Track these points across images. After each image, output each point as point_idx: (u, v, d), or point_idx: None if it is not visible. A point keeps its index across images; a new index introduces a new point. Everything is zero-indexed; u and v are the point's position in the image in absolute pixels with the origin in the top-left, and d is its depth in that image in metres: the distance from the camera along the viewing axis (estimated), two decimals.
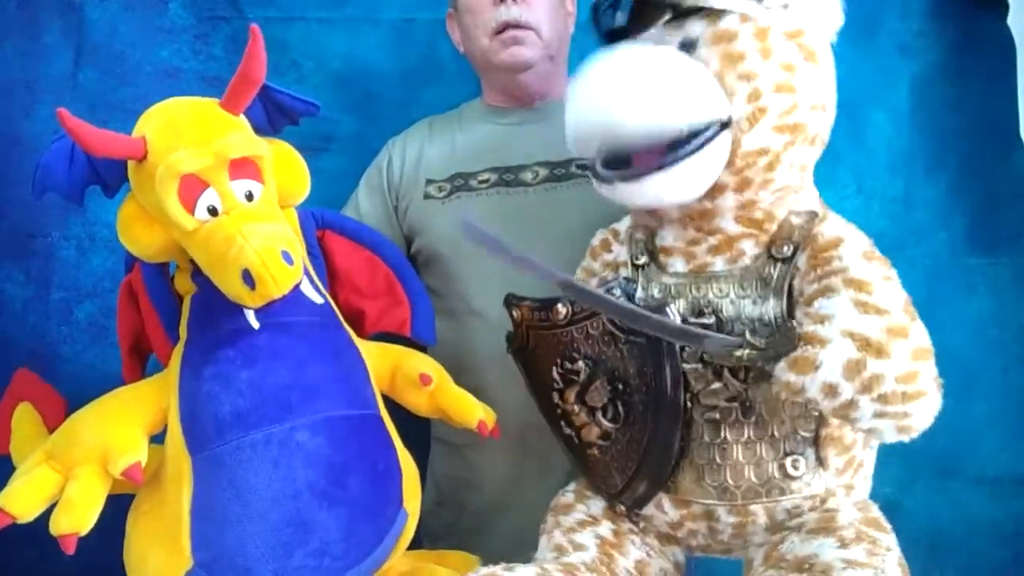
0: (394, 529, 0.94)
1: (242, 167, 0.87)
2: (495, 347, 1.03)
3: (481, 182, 1.19)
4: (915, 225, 1.28)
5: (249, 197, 0.88)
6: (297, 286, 0.88)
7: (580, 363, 0.92)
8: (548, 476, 1.11)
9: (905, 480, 1.24)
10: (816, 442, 0.83)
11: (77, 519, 0.82)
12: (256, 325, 0.90)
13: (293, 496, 0.87)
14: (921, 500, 1.26)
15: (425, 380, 1.01)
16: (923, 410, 0.72)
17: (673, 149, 0.78)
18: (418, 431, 1.09)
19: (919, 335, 0.73)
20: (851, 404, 0.71)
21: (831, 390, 0.71)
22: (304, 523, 0.86)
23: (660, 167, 0.78)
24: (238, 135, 0.89)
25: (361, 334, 1.03)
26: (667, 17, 0.83)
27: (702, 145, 0.78)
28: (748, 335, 0.78)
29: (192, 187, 0.84)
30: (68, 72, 1.31)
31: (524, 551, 0.89)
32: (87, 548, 0.83)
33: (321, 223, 1.05)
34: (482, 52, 1.18)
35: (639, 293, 0.89)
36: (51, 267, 1.30)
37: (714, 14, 0.81)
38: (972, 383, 1.25)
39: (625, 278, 0.91)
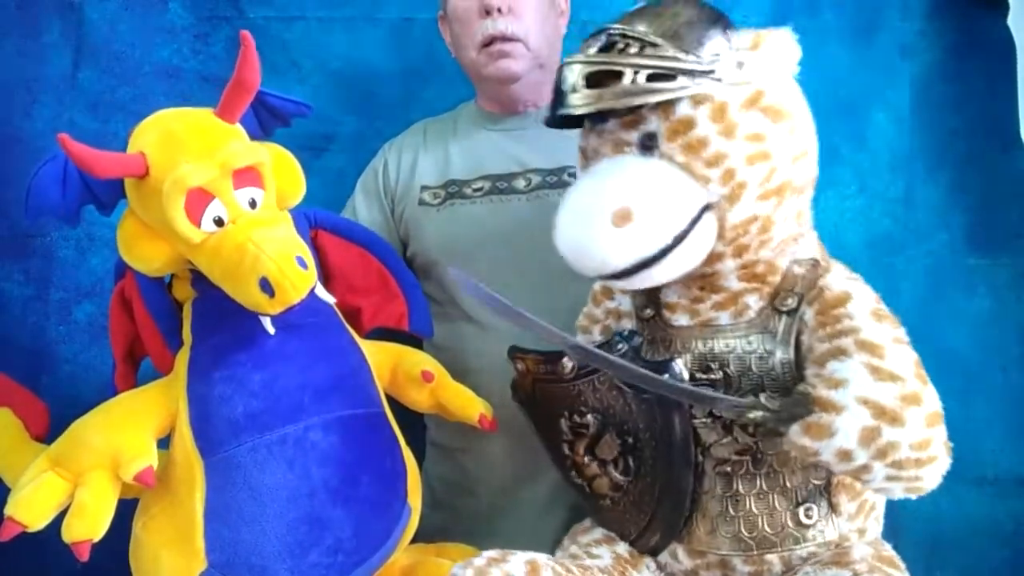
0: (400, 524, 0.95)
1: (245, 175, 0.86)
2: (491, 352, 1.02)
3: (475, 190, 1.19)
4: (916, 225, 1.28)
5: (252, 204, 0.87)
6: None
7: (589, 416, 0.91)
8: (541, 481, 1.11)
9: None
10: (828, 489, 0.83)
11: (91, 525, 0.82)
12: (272, 331, 0.89)
13: (309, 495, 0.88)
14: (921, 500, 1.26)
15: (427, 377, 1.02)
16: (933, 473, 0.73)
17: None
18: (414, 434, 1.09)
19: (931, 400, 0.73)
20: (865, 468, 0.72)
21: (846, 455, 0.71)
22: (319, 521, 0.88)
23: (648, 263, 0.77)
24: (238, 144, 0.88)
25: (359, 331, 1.03)
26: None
27: (685, 234, 0.77)
28: (763, 398, 0.77)
29: (198, 200, 0.83)
30: (68, 72, 1.31)
31: None
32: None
33: (314, 222, 1.05)
34: (471, 63, 1.18)
35: (645, 347, 0.88)
36: (50, 267, 1.30)
37: (668, 102, 0.78)
38: (972, 383, 1.25)
39: (630, 331, 0.90)
